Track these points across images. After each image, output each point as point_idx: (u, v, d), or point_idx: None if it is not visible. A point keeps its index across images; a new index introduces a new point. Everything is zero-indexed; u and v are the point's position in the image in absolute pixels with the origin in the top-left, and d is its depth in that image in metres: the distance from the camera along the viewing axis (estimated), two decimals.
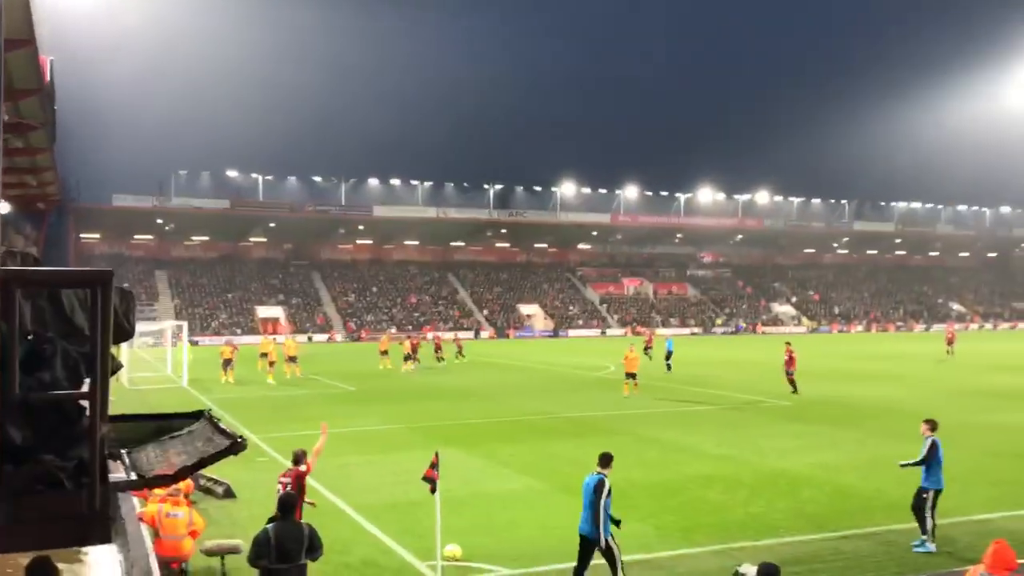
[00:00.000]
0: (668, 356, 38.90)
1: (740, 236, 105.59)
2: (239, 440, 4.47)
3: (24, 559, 5.47)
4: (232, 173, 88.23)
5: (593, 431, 22.18)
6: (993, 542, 7.45)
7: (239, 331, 73.03)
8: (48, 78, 22.67)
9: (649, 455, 18.86)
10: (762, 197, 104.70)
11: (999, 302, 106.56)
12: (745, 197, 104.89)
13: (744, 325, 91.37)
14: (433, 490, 10.67)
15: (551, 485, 15.94)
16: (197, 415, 5.38)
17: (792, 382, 30.63)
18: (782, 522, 13.23)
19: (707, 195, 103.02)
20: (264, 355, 38.46)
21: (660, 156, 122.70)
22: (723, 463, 17.98)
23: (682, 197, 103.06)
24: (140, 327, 49.47)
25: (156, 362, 42.51)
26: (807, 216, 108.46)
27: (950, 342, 49.63)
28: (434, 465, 10.64)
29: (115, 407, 4.91)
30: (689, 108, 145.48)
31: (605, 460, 10.21)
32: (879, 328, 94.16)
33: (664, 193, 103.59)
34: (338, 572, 10.91)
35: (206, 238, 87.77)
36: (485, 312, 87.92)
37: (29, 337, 3.74)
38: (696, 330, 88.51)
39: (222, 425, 4.94)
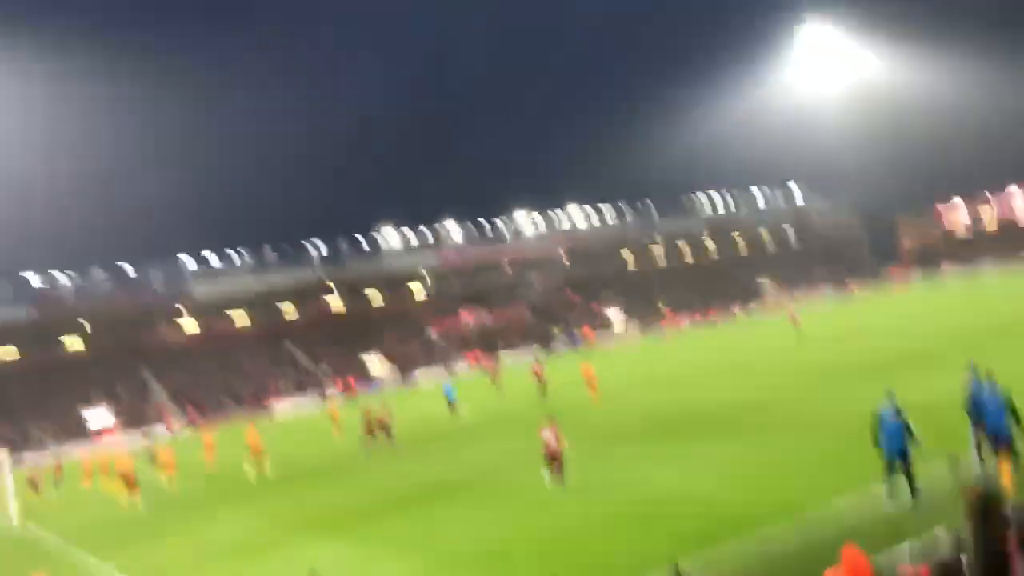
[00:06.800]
0: (449, 404, 38.83)
1: (560, 252, 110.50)
2: None
3: None
4: (29, 274, 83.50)
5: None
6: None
7: (70, 441, 68.57)
8: None
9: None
10: (574, 211, 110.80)
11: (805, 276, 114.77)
12: (559, 212, 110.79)
13: (576, 332, 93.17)
14: None
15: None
16: None
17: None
18: None
19: (524, 217, 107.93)
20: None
21: (475, 186, 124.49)
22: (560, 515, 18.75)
23: (503, 225, 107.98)
24: None
25: None
26: (624, 222, 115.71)
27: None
28: None
29: None
30: (485, 137, 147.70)
31: None
32: (707, 320, 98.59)
33: (482, 221, 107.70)
34: None
35: (13, 349, 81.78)
36: (326, 366, 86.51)
37: None
38: (535, 346, 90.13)
39: None
